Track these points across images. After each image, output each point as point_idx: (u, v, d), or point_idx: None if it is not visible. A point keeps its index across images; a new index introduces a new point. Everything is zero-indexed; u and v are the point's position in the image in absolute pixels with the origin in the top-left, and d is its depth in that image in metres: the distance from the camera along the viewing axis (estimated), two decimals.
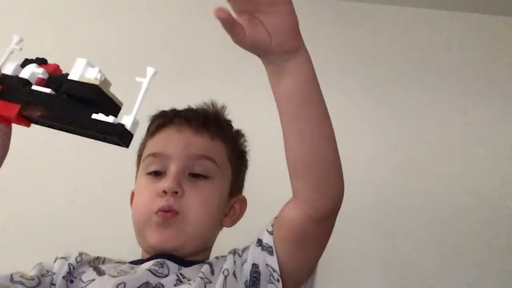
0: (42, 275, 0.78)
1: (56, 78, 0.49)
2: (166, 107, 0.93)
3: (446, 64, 1.50)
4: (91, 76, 0.47)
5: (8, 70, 0.49)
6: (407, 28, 1.54)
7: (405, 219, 1.37)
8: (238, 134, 0.95)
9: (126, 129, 0.47)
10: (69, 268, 0.80)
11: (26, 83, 0.48)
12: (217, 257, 0.81)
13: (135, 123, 0.49)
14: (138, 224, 0.84)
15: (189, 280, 0.75)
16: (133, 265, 0.82)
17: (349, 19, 1.52)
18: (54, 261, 0.82)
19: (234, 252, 0.80)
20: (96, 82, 0.47)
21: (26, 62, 0.50)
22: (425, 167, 1.43)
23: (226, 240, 0.89)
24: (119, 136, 0.47)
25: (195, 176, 0.83)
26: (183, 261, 0.80)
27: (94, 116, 0.47)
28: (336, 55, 1.47)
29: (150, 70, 0.49)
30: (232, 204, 0.89)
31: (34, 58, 0.50)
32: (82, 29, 1.46)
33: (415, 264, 1.35)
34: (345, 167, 1.49)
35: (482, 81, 1.49)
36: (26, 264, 0.82)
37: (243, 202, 0.92)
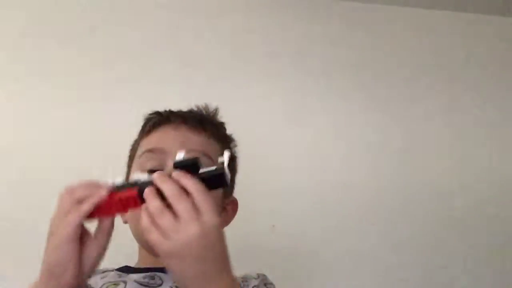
0: None
1: None
2: (166, 105, 0.92)
3: (446, 63, 1.54)
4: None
5: (142, 178, 0.63)
6: (407, 29, 1.57)
7: (405, 218, 1.40)
8: (231, 138, 0.95)
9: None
10: None
11: None
12: None
13: None
14: (136, 225, 0.80)
15: None
16: (120, 273, 0.80)
17: (349, 19, 1.54)
18: None
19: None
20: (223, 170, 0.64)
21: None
22: (426, 166, 1.46)
23: None
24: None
25: None
26: None
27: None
28: (336, 55, 1.47)
29: (226, 154, 0.65)
30: (224, 206, 0.89)
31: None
32: (81, 28, 1.42)
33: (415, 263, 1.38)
34: (344, 167, 1.49)
35: (481, 80, 1.55)
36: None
37: (235, 205, 0.92)
